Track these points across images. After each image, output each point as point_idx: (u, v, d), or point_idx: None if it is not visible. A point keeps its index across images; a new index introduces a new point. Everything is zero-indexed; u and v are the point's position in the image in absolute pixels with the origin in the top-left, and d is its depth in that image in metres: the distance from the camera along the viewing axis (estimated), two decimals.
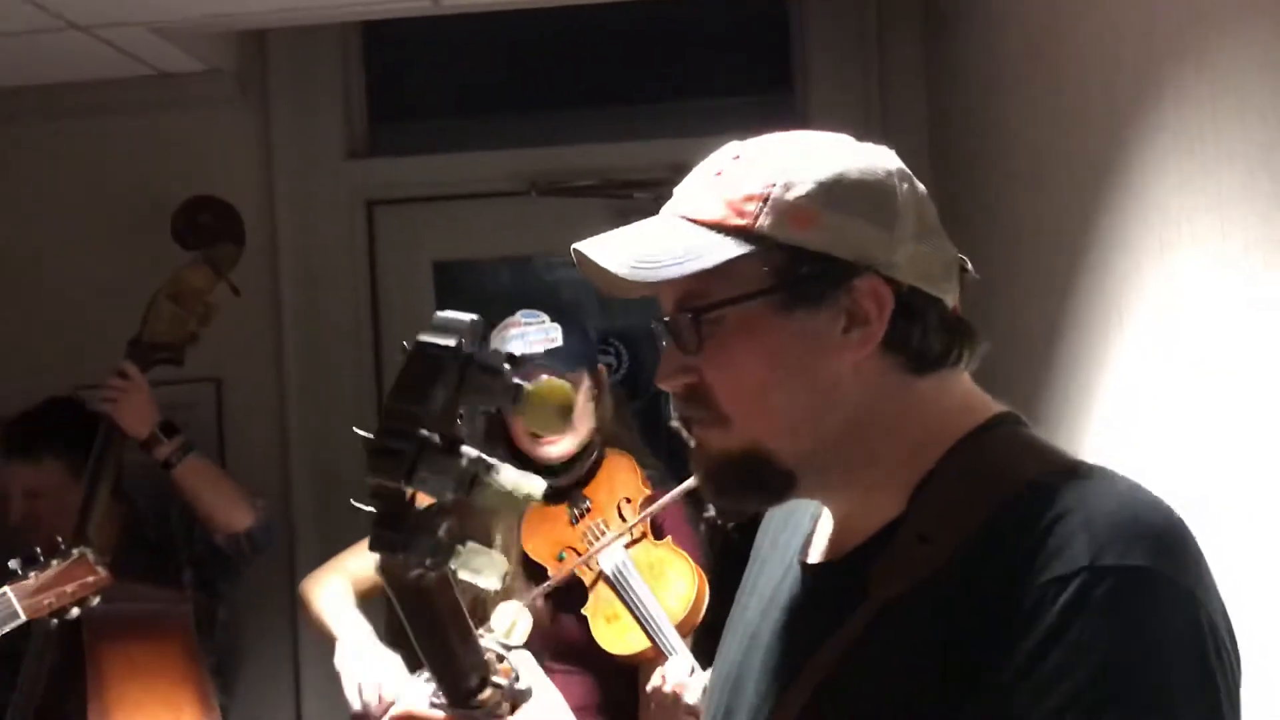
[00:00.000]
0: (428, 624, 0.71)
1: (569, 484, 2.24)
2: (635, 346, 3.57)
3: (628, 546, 2.16)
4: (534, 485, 0.69)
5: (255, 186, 2.93)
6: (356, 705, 2.05)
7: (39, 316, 2.96)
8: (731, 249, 0.88)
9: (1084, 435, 1.85)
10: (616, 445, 2.29)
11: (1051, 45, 1.98)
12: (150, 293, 2.52)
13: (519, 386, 0.69)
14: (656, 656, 2.02)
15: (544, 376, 0.70)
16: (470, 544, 0.69)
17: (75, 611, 1.92)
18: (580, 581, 2.13)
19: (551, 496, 2.24)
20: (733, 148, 0.95)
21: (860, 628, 0.86)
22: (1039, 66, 2.06)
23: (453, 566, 0.68)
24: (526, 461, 2.22)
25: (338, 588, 2.26)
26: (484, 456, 0.67)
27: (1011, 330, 2.16)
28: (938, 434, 0.92)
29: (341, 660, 2.10)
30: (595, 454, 2.26)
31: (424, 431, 0.65)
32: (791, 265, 0.88)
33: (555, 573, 2.14)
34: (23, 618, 1.85)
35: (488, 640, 0.77)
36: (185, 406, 2.74)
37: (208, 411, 2.93)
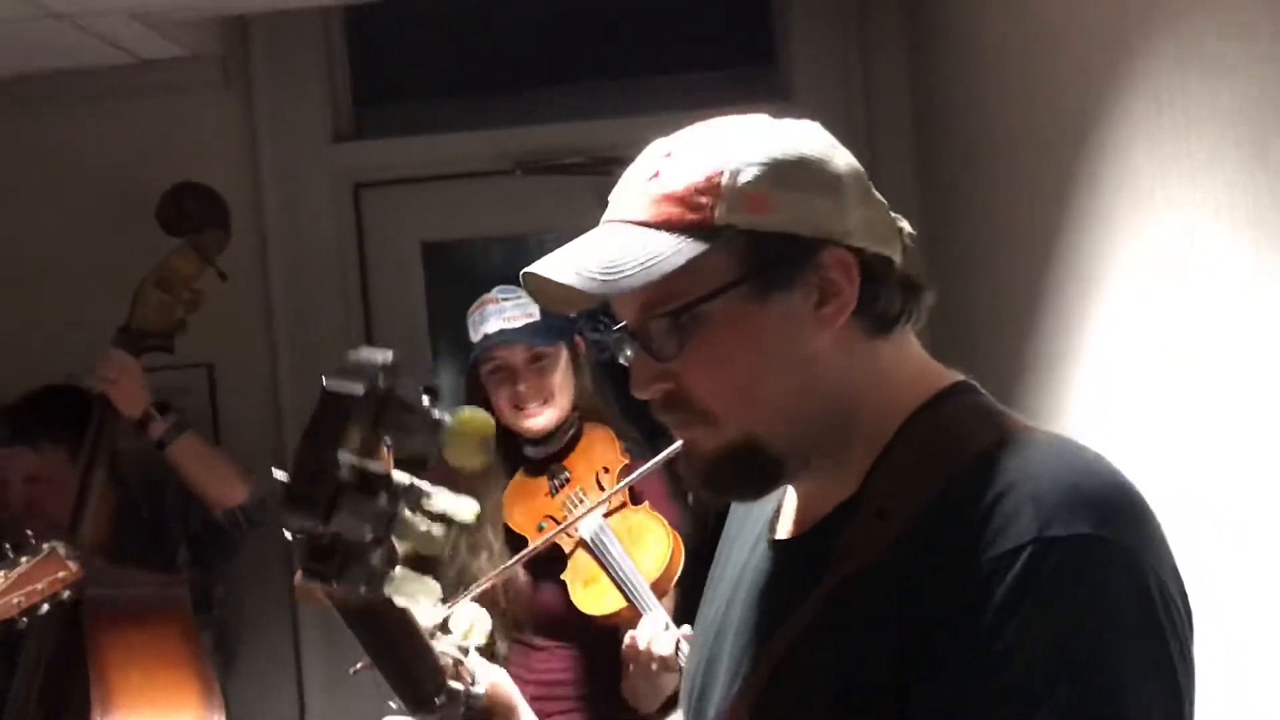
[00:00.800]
0: (378, 640, 0.72)
1: (548, 456, 2.27)
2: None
3: (606, 516, 2.18)
4: (464, 508, 0.69)
5: (241, 171, 2.93)
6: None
7: (27, 305, 2.96)
8: (693, 245, 0.86)
9: (1065, 405, 1.87)
10: (595, 418, 2.31)
11: (1027, 13, 1.99)
12: (137, 280, 2.52)
13: (438, 421, 0.68)
14: (633, 618, 2.05)
15: (464, 408, 0.71)
16: (400, 570, 0.68)
17: (45, 608, 1.91)
18: (560, 550, 2.16)
19: (532, 468, 2.28)
20: (661, 146, 0.93)
21: (820, 602, 0.87)
22: (1015, 33, 2.07)
23: (386, 593, 0.68)
24: (509, 434, 2.25)
25: None
26: (416, 484, 0.66)
27: (992, 304, 2.17)
28: (895, 405, 0.92)
29: None
30: (574, 427, 2.28)
31: (340, 474, 0.65)
32: (757, 251, 0.88)
33: (535, 542, 2.15)
34: None
35: (445, 643, 0.78)
36: (179, 392, 2.74)
37: (201, 397, 2.94)
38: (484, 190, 3.06)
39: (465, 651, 0.79)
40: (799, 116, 0.95)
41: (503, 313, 2.21)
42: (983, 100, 2.31)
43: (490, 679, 0.78)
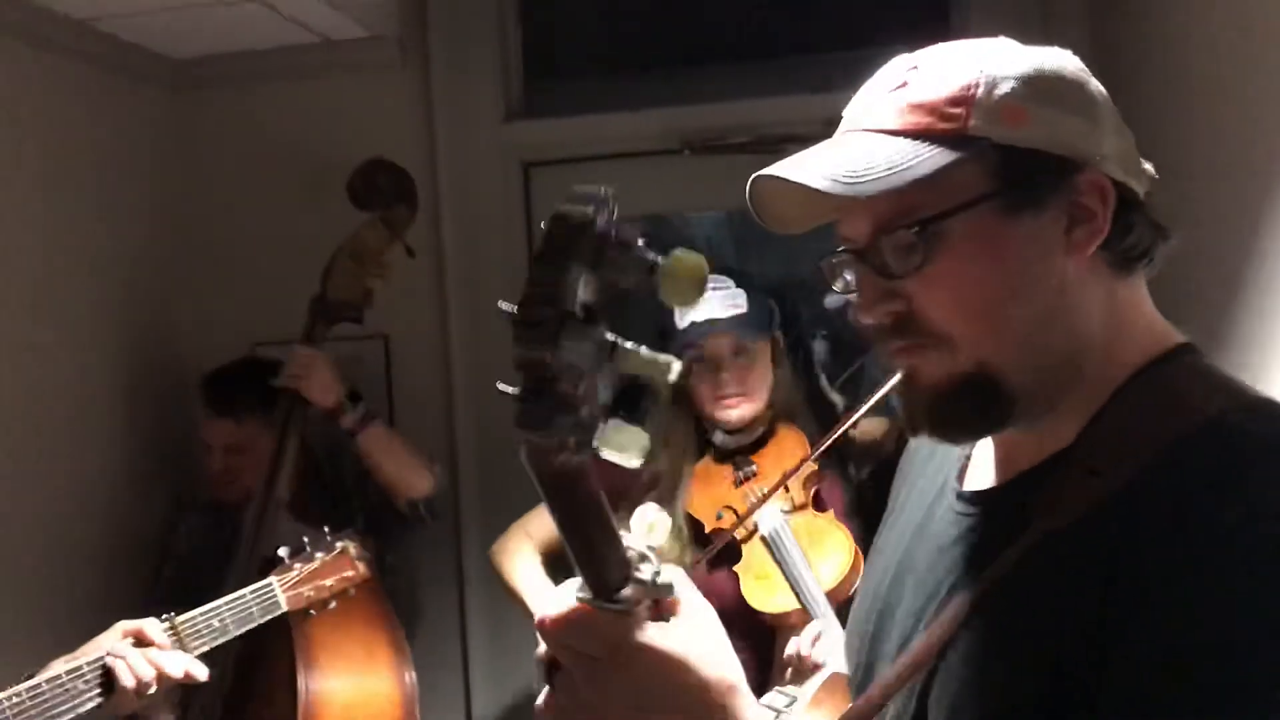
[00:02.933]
0: (571, 513, 0.71)
1: (739, 447, 2.26)
2: (777, 295, 3.56)
3: (788, 514, 2.16)
4: (670, 357, 0.68)
5: (417, 149, 3.00)
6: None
7: (219, 275, 3.10)
8: (945, 154, 0.82)
9: (1274, 373, 1.79)
10: (789, 418, 2.30)
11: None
12: (323, 252, 2.61)
13: (654, 261, 0.67)
14: (800, 621, 2.02)
15: (678, 250, 0.67)
16: (613, 420, 0.67)
17: (333, 605, 1.93)
18: (738, 543, 2.15)
19: (720, 457, 2.28)
20: (904, 60, 0.90)
21: (1020, 556, 0.83)
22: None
23: (596, 444, 0.67)
24: (700, 420, 2.27)
25: (527, 557, 2.34)
26: (613, 337, 0.65)
27: (1193, 257, 2.09)
28: (1123, 354, 0.88)
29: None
30: (767, 423, 2.27)
31: (565, 303, 0.64)
32: (1011, 165, 0.83)
33: (710, 530, 2.17)
34: (284, 609, 1.87)
35: (628, 540, 0.76)
36: (355, 361, 2.84)
37: (377, 366, 3.03)
38: (650, 170, 3.08)
39: (651, 550, 0.77)
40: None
41: (710, 300, 2.20)
42: (1180, 27, 2.20)
43: (673, 578, 0.78)
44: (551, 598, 0.78)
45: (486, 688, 3.06)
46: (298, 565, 1.91)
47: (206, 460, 2.61)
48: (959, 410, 0.88)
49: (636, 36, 3.20)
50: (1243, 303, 1.90)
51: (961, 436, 0.94)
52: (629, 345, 0.67)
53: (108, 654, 1.69)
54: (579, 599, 0.76)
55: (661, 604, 0.77)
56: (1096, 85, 0.89)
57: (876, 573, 1.04)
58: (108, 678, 1.69)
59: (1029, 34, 2.75)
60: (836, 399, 2.85)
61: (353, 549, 1.94)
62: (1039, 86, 0.85)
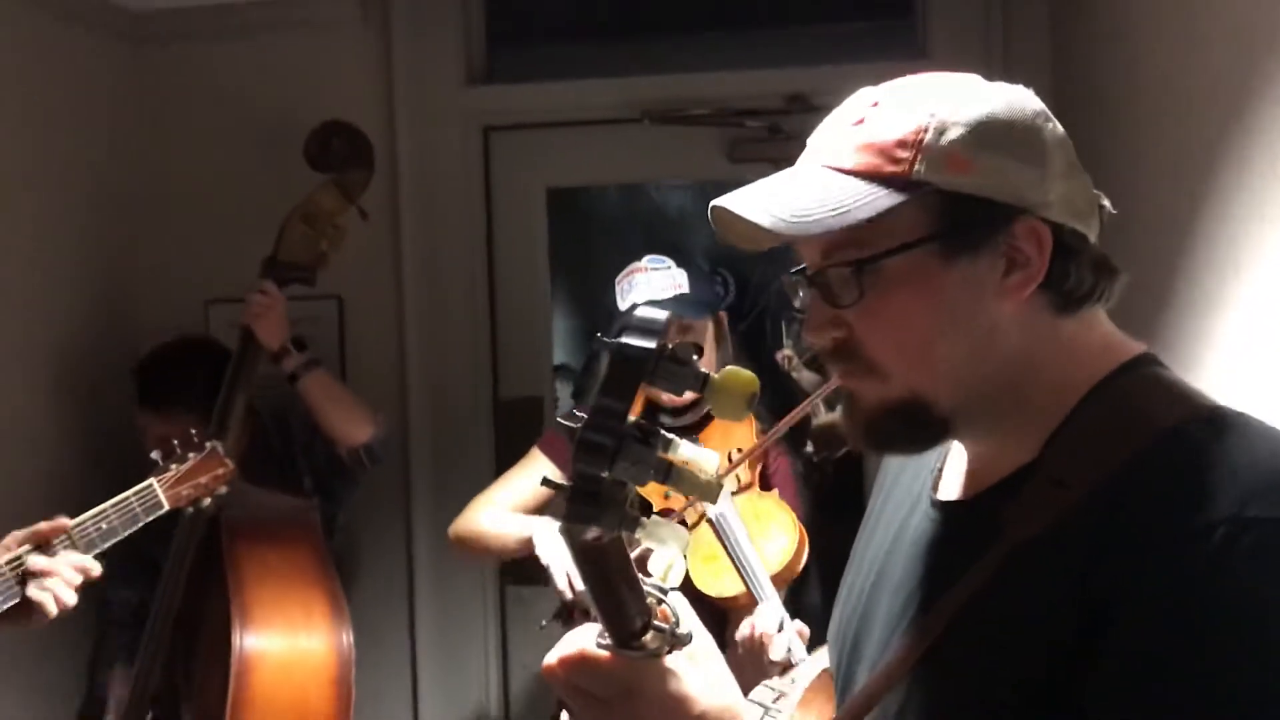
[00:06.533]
0: (601, 576, 0.77)
1: (684, 428, 2.27)
2: (737, 269, 3.59)
3: (734, 494, 2.18)
4: (710, 459, 0.74)
5: (377, 109, 2.99)
6: (569, 594, 2.12)
7: (175, 231, 3.09)
8: (888, 198, 0.85)
9: (1197, 385, 1.84)
10: None
11: None
12: (279, 211, 2.61)
13: (706, 376, 0.74)
14: (748, 604, 2.04)
15: (729, 366, 0.75)
16: (654, 516, 0.74)
17: (207, 502, 2.04)
18: (684, 522, 2.15)
19: None
20: (868, 94, 0.93)
21: (993, 567, 0.86)
22: None
23: (638, 537, 0.74)
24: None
25: (497, 511, 2.34)
26: (663, 432, 0.73)
27: (1126, 272, 2.13)
28: (1078, 376, 0.91)
29: (547, 550, 2.15)
30: None
31: (625, 425, 0.72)
32: (951, 211, 0.87)
33: (658, 510, 2.16)
34: (166, 507, 1.96)
35: (646, 585, 0.82)
36: (309, 321, 2.85)
37: (330, 327, 3.04)
38: (610, 138, 3.09)
39: (664, 592, 0.83)
40: (932, 71, 0.94)
41: (651, 283, 2.21)
42: (1128, 62, 2.25)
43: (690, 623, 0.84)
44: (563, 643, 0.83)
45: (432, 647, 3.09)
46: (173, 466, 2.00)
47: (143, 443, 2.61)
48: (892, 432, 0.93)
49: (600, 4, 3.20)
50: (1176, 294, 1.94)
51: (898, 452, 1.01)
52: (683, 464, 0.74)
53: (11, 561, 1.77)
54: (599, 645, 0.82)
55: (677, 647, 0.83)
56: (1053, 130, 0.91)
57: (855, 582, 1.08)
58: (22, 582, 1.77)
59: (989, 12, 2.76)
60: (808, 376, 2.87)
61: (220, 447, 2.05)
62: (988, 133, 0.87)
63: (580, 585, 2.08)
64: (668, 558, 0.84)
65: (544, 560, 2.16)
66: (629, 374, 0.72)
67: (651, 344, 0.72)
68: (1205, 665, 0.75)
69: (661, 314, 0.74)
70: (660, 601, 0.81)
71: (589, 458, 0.71)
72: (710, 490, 0.73)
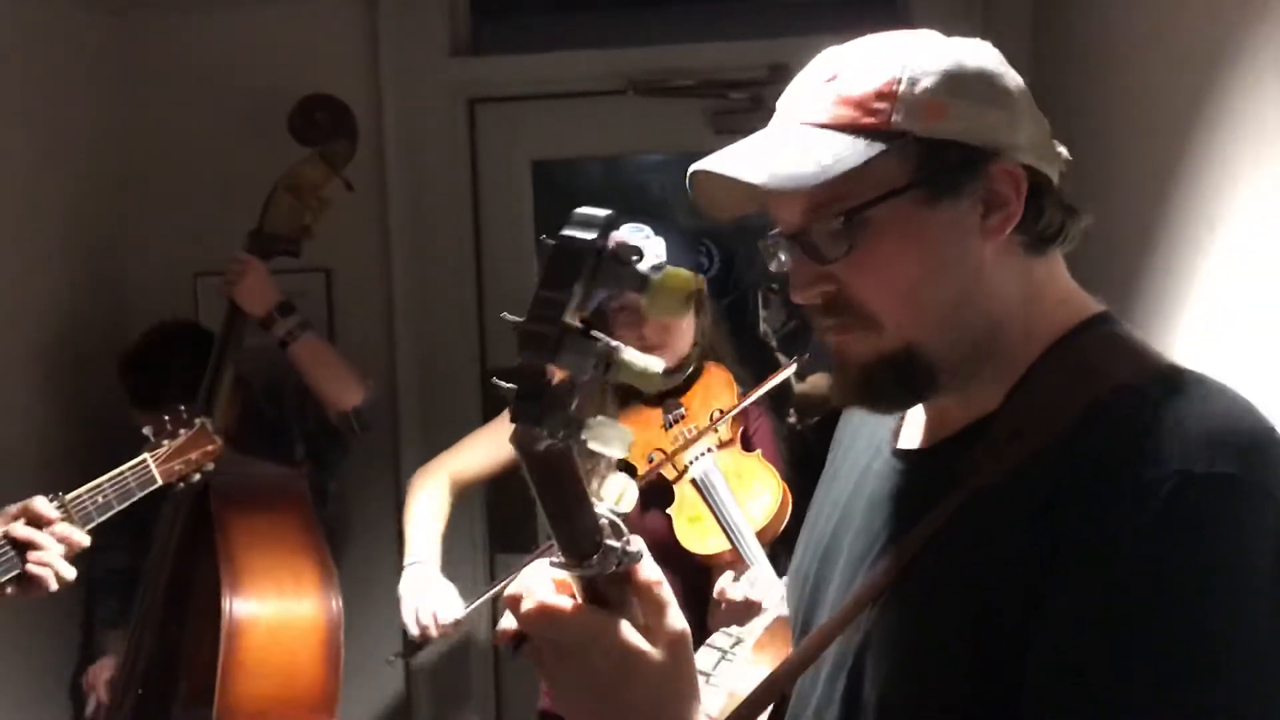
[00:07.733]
0: (551, 488, 0.76)
1: (666, 390, 2.29)
2: (724, 244, 3.60)
3: (715, 451, 2.21)
4: (656, 363, 0.74)
5: (363, 81, 3.00)
6: (414, 630, 2.22)
7: (162, 204, 3.09)
8: (870, 148, 0.87)
9: (1172, 345, 1.88)
10: (715, 357, 2.34)
11: None
12: (266, 183, 2.62)
13: (646, 275, 0.74)
14: (734, 560, 2.07)
15: (668, 266, 0.74)
16: (600, 417, 0.74)
17: (197, 477, 2.07)
18: (668, 483, 2.20)
19: (648, 400, 2.32)
20: (834, 53, 0.95)
21: (949, 513, 0.89)
22: None
23: (583, 438, 0.73)
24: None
25: (436, 496, 2.40)
26: (610, 341, 0.73)
27: (1104, 235, 2.16)
28: (1042, 326, 0.94)
29: (404, 589, 2.26)
30: (694, 364, 2.31)
31: (566, 317, 0.71)
32: (930, 157, 0.89)
33: (642, 473, 2.19)
34: (159, 482, 1.99)
35: (599, 509, 0.83)
36: (297, 294, 2.84)
37: (318, 299, 3.05)
38: (595, 110, 3.10)
39: (618, 517, 0.84)
40: None
41: None
42: (1105, 34, 2.28)
43: (641, 550, 0.84)
44: (526, 576, 0.83)
45: None
46: (165, 442, 2.03)
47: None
48: (885, 385, 0.94)
49: None
50: (1149, 269, 1.97)
51: (889, 408, 1.01)
52: (625, 356, 0.73)
53: (7, 532, 1.78)
54: (552, 564, 0.82)
55: (629, 565, 0.82)
56: (1013, 76, 0.94)
57: (817, 527, 1.10)
58: (21, 554, 1.78)
59: None
60: (780, 357, 2.90)
61: (210, 424, 2.09)
62: (958, 81, 0.90)
63: (426, 621, 2.17)
64: (620, 486, 0.85)
65: (399, 593, 2.27)
66: (569, 265, 0.72)
67: (592, 235, 0.72)
68: (1145, 616, 0.77)
69: (603, 211, 0.74)
70: (615, 525, 0.82)
71: (532, 349, 0.71)
72: (650, 379, 0.73)
